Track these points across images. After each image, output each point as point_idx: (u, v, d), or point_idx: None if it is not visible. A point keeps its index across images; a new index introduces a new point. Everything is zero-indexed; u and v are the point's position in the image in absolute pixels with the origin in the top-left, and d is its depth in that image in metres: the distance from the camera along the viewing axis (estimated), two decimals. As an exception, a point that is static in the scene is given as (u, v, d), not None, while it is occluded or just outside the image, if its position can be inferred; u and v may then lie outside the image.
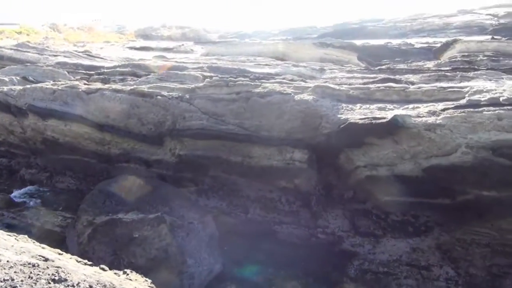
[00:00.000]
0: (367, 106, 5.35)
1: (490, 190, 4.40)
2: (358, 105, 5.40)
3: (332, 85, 5.81)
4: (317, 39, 21.96)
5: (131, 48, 17.50)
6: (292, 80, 6.52)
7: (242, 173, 6.08)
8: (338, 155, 5.52)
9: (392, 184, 5.11)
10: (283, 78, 6.72)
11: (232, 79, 6.64)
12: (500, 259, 4.90)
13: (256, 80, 6.56)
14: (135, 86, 7.19)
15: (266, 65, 11.29)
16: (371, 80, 6.20)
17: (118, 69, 10.25)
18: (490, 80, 5.35)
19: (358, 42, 20.79)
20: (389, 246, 5.51)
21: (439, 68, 10.11)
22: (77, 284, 1.67)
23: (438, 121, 4.51)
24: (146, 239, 5.15)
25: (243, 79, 6.66)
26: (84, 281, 1.76)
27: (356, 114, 5.22)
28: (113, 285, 1.84)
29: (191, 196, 6.27)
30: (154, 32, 25.30)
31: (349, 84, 6.07)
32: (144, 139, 6.70)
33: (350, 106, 5.44)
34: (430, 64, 14.11)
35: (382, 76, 6.69)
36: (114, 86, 7.35)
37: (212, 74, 8.48)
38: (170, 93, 6.66)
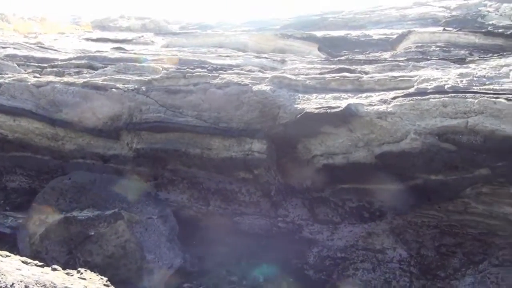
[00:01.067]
0: (323, 95, 5.44)
1: (437, 174, 4.62)
2: (314, 95, 5.49)
3: (289, 76, 5.86)
4: (279, 30, 22.03)
5: (87, 39, 16.80)
6: (250, 71, 6.51)
7: (201, 165, 6.04)
8: (296, 145, 5.59)
9: (348, 171, 5.25)
10: (241, 69, 6.69)
11: (189, 70, 6.54)
12: (448, 239, 5.18)
13: (214, 71, 6.49)
14: (89, 78, 6.93)
15: (228, 56, 11.18)
16: (327, 70, 6.30)
17: (73, 61, 9.81)
18: (438, 69, 5.58)
19: (319, 34, 21.04)
20: (346, 232, 5.68)
21: (395, 59, 10.43)
22: (11, 285, 1.60)
23: (389, 109, 4.67)
24: (103, 236, 5.03)
25: (200, 70, 6.58)
26: (21, 281, 1.69)
27: (312, 103, 5.30)
28: (54, 284, 1.78)
29: (150, 190, 6.16)
30: (112, 23, 24.38)
31: (306, 74, 6.14)
32: (100, 134, 6.49)
33: (307, 96, 5.52)
34: (387, 55, 14.52)
35: (341, 66, 6.80)
36: (66, 79, 7.05)
37: (172, 66, 8.32)
38: (126, 86, 6.48)
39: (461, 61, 8.18)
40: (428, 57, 9.87)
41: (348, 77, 5.58)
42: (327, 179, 5.56)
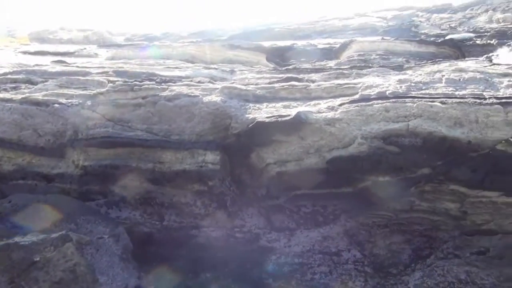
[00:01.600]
0: (273, 104, 5.54)
1: (385, 176, 4.85)
2: (265, 104, 5.57)
3: (239, 86, 5.91)
4: (226, 41, 22.18)
5: (24, 52, 15.86)
6: (200, 82, 6.48)
7: (154, 180, 5.88)
8: (249, 154, 5.62)
9: (301, 177, 5.36)
10: (191, 81, 6.64)
11: (137, 83, 6.38)
12: (397, 237, 5.44)
13: (163, 84, 6.39)
14: (28, 94, 6.52)
15: (176, 68, 11.05)
16: (276, 79, 6.43)
17: (9, 76, 9.19)
18: (379, 76, 5.89)
19: (266, 44, 21.45)
20: (303, 238, 5.78)
21: (339, 67, 10.89)
22: None
23: (336, 116, 4.85)
24: (50, 262, 4.70)
25: (149, 82, 6.45)
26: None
27: (263, 113, 5.37)
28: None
29: (100, 209, 5.88)
30: (51, 35, 23.21)
31: (256, 84, 6.23)
32: (42, 152, 6.12)
33: (258, 105, 5.59)
34: (332, 63, 15.14)
35: (289, 75, 6.97)
36: (2, 95, 6.58)
37: (119, 79, 8.06)
38: (69, 100, 6.18)
39: (399, 68, 8.70)
40: (370, 65, 10.42)
41: (297, 85, 5.73)
42: (282, 187, 5.64)
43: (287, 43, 24.10)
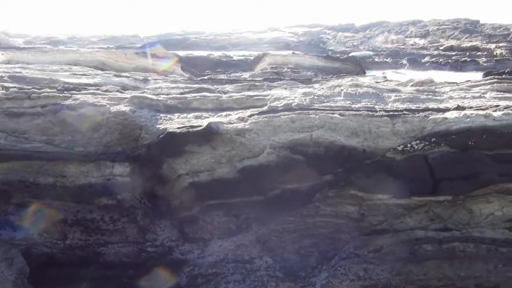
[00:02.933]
0: (185, 115, 5.52)
1: (292, 184, 5.11)
2: (177, 115, 5.53)
3: (149, 96, 5.78)
4: (140, 49, 21.51)
5: None
6: (107, 91, 6.19)
7: (55, 195, 5.44)
8: (160, 165, 5.51)
9: (213, 188, 5.40)
10: (97, 89, 6.32)
11: (35, 90, 5.88)
12: (306, 241, 5.74)
13: (66, 91, 5.97)
14: None
15: (84, 74, 10.40)
16: (188, 90, 6.42)
17: None
18: (286, 89, 6.22)
19: (182, 53, 21.28)
20: (216, 247, 5.79)
21: (253, 79, 11.25)
22: None
23: (246, 126, 5.00)
24: None
25: (49, 90, 5.98)
26: None
27: (175, 123, 5.32)
28: None
29: (-11, 230, 5.25)
30: None
31: (167, 94, 6.15)
32: None
33: (169, 116, 5.52)
34: (246, 75, 15.59)
35: (201, 86, 7.00)
36: None
37: (15, 85, 7.33)
38: (-50, 109, 5.45)
39: (308, 81, 9.30)
40: (282, 77, 10.95)
41: (209, 96, 5.79)
42: (195, 197, 5.61)
43: (203, 53, 24.18)
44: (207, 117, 5.37)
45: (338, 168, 5.01)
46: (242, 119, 5.14)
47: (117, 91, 6.21)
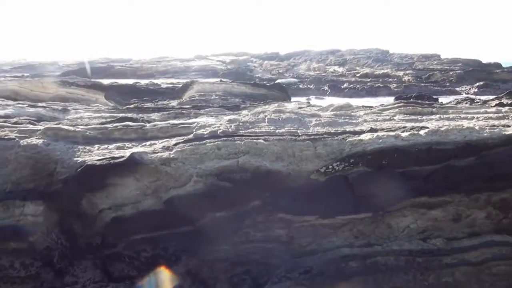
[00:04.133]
0: (106, 146, 5.26)
1: (221, 211, 5.06)
2: (96, 146, 5.24)
3: (65, 127, 5.43)
4: (59, 77, 20.36)
5: None
6: (16, 123, 5.69)
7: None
8: (79, 201, 5.13)
9: (139, 221, 5.15)
10: (5, 121, 5.79)
11: None
12: (238, 268, 5.66)
13: (-34, 125, 5.39)
14: None
15: (-8, 105, 9.50)
16: (110, 119, 6.15)
17: None
18: (212, 116, 6.25)
19: (106, 81, 20.52)
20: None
21: (182, 106, 11.15)
22: None
23: (171, 155, 4.89)
24: None
25: None
26: None
27: (94, 155, 5.04)
28: None
29: None
30: None
31: (86, 125, 5.82)
32: None
33: (88, 147, 5.22)
34: (174, 103, 15.43)
35: (123, 115, 6.76)
36: None
37: None
38: None
39: (236, 108, 9.46)
40: (210, 105, 11.00)
41: (131, 126, 5.60)
42: (119, 233, 5.29)
43: (129, 81, 23.54)
44: (130, 147, 5.17)
45: (265, 193, 5.08)
46: (167, 148, 5.02)
47: (29, 122, 5.75)
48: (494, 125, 5.74)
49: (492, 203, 5.56)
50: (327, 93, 26.09)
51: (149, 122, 6.07)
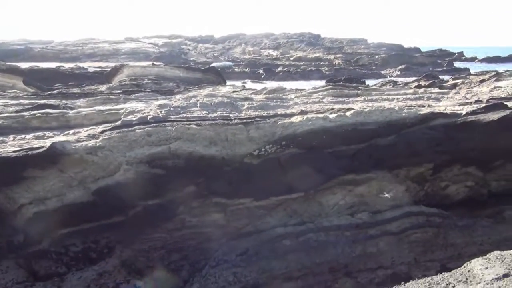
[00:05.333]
0: (23, 136, 4.84)
1: (154, 199, 4.94)
2: (12, 136, 4.80)
3: (-27, 117, 4.89)
4: (-32, 60, 18.20)
5: None
6: None
7: None
8: (-5, 197, 4.69)
9: (65, 215, 4.85)
10: None
11: None
12: (175, 255, 5.61)
13: None
14: None
15: None
16: (25, 107, 5.65)
17: None
18: (142, 101, 6.01)
19: (24, 65, 18.81)
20: (75, 280, 5.21)
21: (111, 91, 10.56)
22: None
23: (98, 144, 4.64)
24: None
25: None
26: None
27: (10, 146, 4.61)
28: None
29: None
30: None
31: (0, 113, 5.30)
32: None
33: (2, 138, 4.76)
34: (103, 88, 14.58)
35: (43, 102, 6.23)
36: None
37: None
38: None
39: (169, 92, 9.17)
40: (142, 89, 10.54)
41: (52, 113, 5.20)
42: (43, 228, 4.95)
43: (52, 65, 21.81)
44: (51, 137, 4.81)
45: (199, 178, 5.04)
46: (93, 136, 4.75)
47: None
48: (412, 106, 6.22)
49: (410, 178, 6.06)
50: (262, 76, 26.32)
51: (72, 109, 5.67)
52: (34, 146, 4.55)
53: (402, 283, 2.54)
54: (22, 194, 4.71)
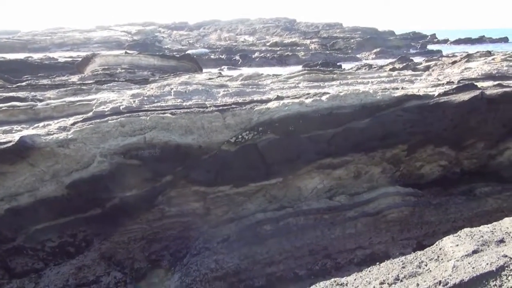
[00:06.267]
0: (-11, 130, 4.64)
1: (131, 190, 4.86)
2: (-23, 131, 4.60)
3: None
4: None
5: None
6: None
7: None
8: (-38, 195, 4.52)
9: (39, 210, 4.72)
10: None
11: None
12: (155, 245, 5.57)
13: None
14: None
15: None
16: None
17: None
18: (114, 91, 5.86)
19: (-10, 57, 18.03)
20: (53, 276, 5.12)
21: (83, 82, 10.24)
22: None
23: (69, 136, 4.50)
24: None
25: None
26: None
27: (-24, 142, 4.42)
28: None
29: None
30: None
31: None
32: None
33: (-34, 133, 4.56)
34: (75, 78, 14.14)
35: (9, 94, 5.97)
36: None
37: None
38: None
39: (144, 81, 8.95)
40: (115, 79, 10.27)
41: (19, 106, 5.00)
42: (16, 225, 4.81)
43: (20, 56, 21.00)
44: (20, 130, 4.63)
45: (177, 167, 4.99)
46: (64, 129, 4.60)
47: None
48: (386, 88, 6.29)
49: (386, 159, 6.18)
50: (239, 63, 26.08)
51: (41, 101, 5.47)
52: (2, 140, 4.38)
53: (378, 263, 2.61)
54: (-8, 190, 4.55)
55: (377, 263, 2.58)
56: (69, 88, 7.50)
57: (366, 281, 2.23)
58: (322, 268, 5.58)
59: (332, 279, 2.42)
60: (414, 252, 5.92)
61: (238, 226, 5.57)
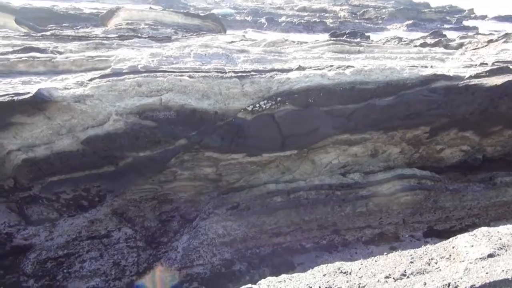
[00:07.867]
0: (9, 80, 4.66)
1: (145, 150, 4.87)
2: (-3, 80, 4.63)
3: (-44, 57, 4.67)
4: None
5: None
6: None
7: None
8: (-18, 142, 4.61)
9: (55, 162, 4.80)
10: None
11: None
12: (166, 206, 5.66)
13: None
14: None
15: None
16: (10, 50, 5.40)
17: None
18: (134, 49, 5.76)
19: (17, 3, 18.05)
20: (67, 226, 5.29)
21: (106, 36, 10.15)
22: None
23: (86, 92, 4.48)
24: None
25: None
26: None
27: (-5, 91, 4.45)
28: None
29: None
30: None
31: (-15, 55, 5.08)
32: None
33: (-14, 82, 4.59)
34: (98, 31, 14.04)
35: (29, 44, 5.97)
36: None
37: None
38: None
39: (167, 39, 8.79)
40: (139, 35, 10.13)
41: (39, 57, 4.98)
42: (33, 175, 4.93)
43: (46, 4, 20.92)
44: (38, 82, 4.63)
45: (191, 132, 4.94)
46: (81, 84, 4.57)
47: None
48: (414, 66, 5.99)
49: (406, 140, 5.99)
50: (264, 26, 25.38)
51: (61, 53, 5.43)
52: (20, 91, 4.39)
53: (385, 253, 2.53)
54: (10, 140, 4.62)
55: (385, 253, 2.50)
56: (91, 41, 7.43)
57: (371, 272, 2.16)
58: (330, 243, 5.59)
59: (337, 265, 2.35)
60: (424, 236, 5.84)
61: (249, 195, 5.57)
